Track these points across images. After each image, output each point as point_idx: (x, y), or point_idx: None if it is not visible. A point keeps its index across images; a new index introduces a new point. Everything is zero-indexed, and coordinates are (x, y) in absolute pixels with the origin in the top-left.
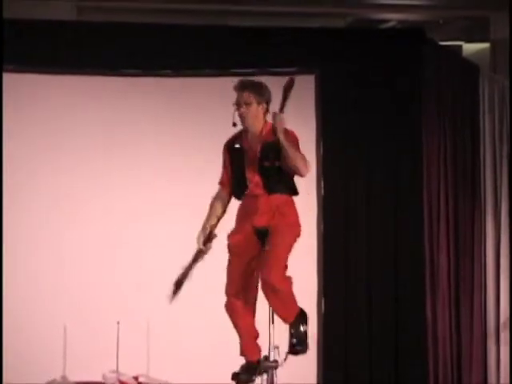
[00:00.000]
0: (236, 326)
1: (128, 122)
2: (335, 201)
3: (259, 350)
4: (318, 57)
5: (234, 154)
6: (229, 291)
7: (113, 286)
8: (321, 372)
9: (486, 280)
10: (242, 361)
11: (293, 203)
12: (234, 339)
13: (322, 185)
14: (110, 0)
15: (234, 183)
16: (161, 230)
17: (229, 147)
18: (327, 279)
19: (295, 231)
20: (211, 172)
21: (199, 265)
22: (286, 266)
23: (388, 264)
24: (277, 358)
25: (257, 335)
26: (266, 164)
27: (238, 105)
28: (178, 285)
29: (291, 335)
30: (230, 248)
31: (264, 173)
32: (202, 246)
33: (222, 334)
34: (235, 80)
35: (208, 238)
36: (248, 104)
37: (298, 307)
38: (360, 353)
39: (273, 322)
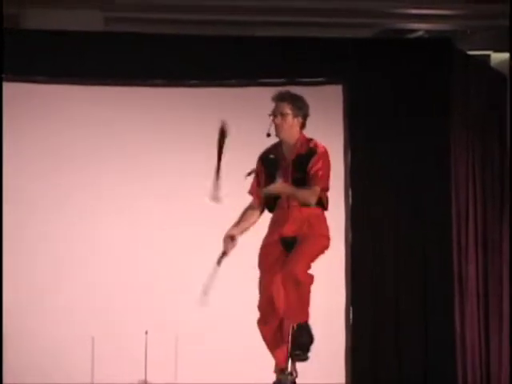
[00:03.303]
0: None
1: (150, 131)
2: (363, 212)
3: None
4: (346, 67)
5: (269, 165)
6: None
7: (140, 296)
8: None
9: None
10: (269, 371)
11: (323, 217)
12: (261, 350)
13: (350, 195)
14: (137, 10)
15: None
16: (187, 239)
17: (263, 158)
18: (355, 291)
19: (323, 242)
20: (236, 181)
21: (228, 276)
22: (309, 266)
23: (416, 275)
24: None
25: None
26: (298, 176)
27: (274, 115)
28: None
29: (293, 340)
30: (259, 262)
31: (296, 185)
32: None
33: (250, 344)
34: (264, 90)
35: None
36: (284, 115)
37: (308, 316)
38: (389, 365)
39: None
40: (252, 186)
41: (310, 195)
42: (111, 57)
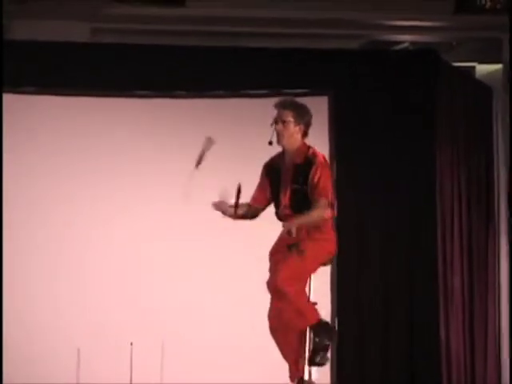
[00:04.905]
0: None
1: (136, 141)
2: (349, 223)
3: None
4: (331, 78)
5: (272, 174)
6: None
7: (126, 308)
8: None
9: (500, 301)
10: (256, 377)
11: (325, 223)
12: (249, 357)
13: (336, 206)
14: (123, 21)
15: (272, 203)
16: (173, 252)
17: (267, 166)
18: (340, 301)
19: (325, 245)
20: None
21: (218, 289)
22: (301, 275)
23: (402, 285)
24: (313, 376)
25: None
26: (296, 186)
27: (276, 122)
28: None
29: (308, 345)
30: (269, 268)
31: (293, 195)
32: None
33: (237, 353)
34: (249, 101)
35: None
36: (285, 122)
37: (317, 317)
38: (375, 373)
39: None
40: (253, 194)
41: (320, 213)
42: (97, 68)
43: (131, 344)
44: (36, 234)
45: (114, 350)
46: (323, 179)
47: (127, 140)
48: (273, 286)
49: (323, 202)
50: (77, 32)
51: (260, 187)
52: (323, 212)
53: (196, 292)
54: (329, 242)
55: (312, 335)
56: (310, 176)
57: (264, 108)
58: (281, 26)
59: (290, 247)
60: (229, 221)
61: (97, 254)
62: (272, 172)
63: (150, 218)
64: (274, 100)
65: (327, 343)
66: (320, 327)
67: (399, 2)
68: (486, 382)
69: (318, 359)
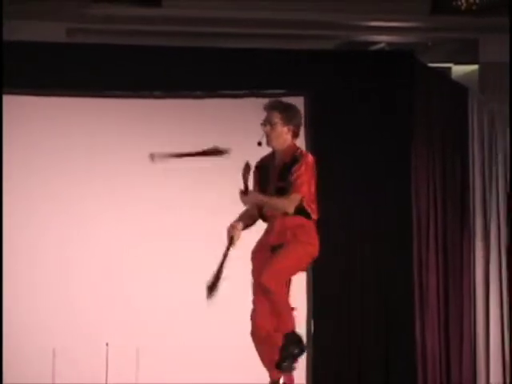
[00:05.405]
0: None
1: (119, 142)
2: (324, 223)
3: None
4: (307, 79)
5: (262, 174)
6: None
7: (102, 308)
8: None
9: (476, 301)
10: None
11: (309, 226)
12: (226, 362)
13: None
14: (99, 22)
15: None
16: (150, 253)
17: (258, 166)
18: (316, 303)
19: (308, 249)
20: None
21: (194, 290)
22: (286, 276)
23: (377, 286)
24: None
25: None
26: (280, 185)
27: (264, 123)
28: (212, 287)
29: (280, 352)
30: (252, 269)
31: (277, 193)
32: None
33: (212, 357)
34: (226, 102)
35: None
36: (273, 124)
37: (293, 326)
38: (350, 374)
39: None
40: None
41: (286, 203)
42: (72, 68)
43: (107, 344)
44: (17, 232)
45: (89, 350)
46: (303, 177)
47: (108, 140)
48: (257, 283)
49: (294, 196)
50: (52, 32)
51: (254, 187)
52: (289, 205)
53: (172, 293)
54: (313, 246)
55: (285, 342)
56: (292, 172)
57: (241, 108)
58: (257, 27)
59: (274, 248)
60: (210, 223)
61: (75, 253)
62: (262, 172)
63: (130, 219)
64: (251, 100)
65: (296, 353)
66: (294, 337)
67: (375, 3)
68: (461, 380)
69: (284, 366)
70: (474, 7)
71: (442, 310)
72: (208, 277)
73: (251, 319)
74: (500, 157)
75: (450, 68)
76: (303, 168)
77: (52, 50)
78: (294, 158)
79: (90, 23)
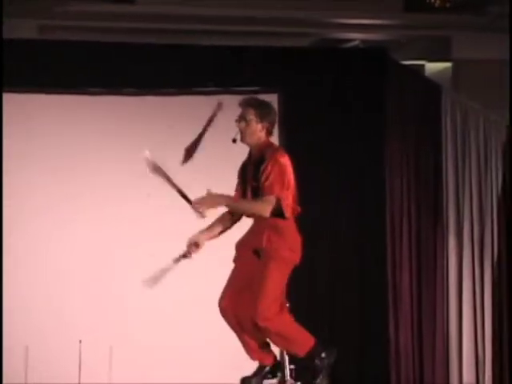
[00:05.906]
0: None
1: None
2: (298, 219)
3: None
4: (281, 76)
5: (243, 174)
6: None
7: (75, 306)
8: None
9: (449, 298)
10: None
11: (288, 227)
12: (199, 361)
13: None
14: (71, 19)
15: None
16: (124, 252)
17: (241, 166)
18: (290, 299)
19: (290, 259)
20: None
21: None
22: (276, 300)
23: (351, 285)
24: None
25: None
26: (254, 185)
27: (239, 120)
28: (190, 151)
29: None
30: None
31: (253, 194)
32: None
33: (186, 353)
34: (199, 99)
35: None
36: (247, 120)
37: (313, 341)
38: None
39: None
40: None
41: (260, 207)
42: (44, 65)
43: (80, 342)
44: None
45: (62, 347)
46: (271, 177)
47: (104, 139)
48: (255, 323)
49: (267, 199)
50: (24, 29)
51: (236, 189)
52: (263, 209)
53: (146, 291)
54: (294, 251)
55: (312, 360)
56: (260, 173)
57: (213, 106)
58: (230, 25)
59: (255, 251)
60: (191, 223)
61: (47, 252)
62: (243, 171)
63: (106, 218)
64: (223, 97)
65: (320, 363)
66: (316, 351)
67: (349, 1)
68: (434, 378)
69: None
70: (447, 4)
71: (415, 308)
72: (185, 278)
73: (223, 305)
74: (473, 154)
75: (423, 65)
76: (270, 167)
77: (10, 46)
78: (262, 156)
79: (63, 20)
